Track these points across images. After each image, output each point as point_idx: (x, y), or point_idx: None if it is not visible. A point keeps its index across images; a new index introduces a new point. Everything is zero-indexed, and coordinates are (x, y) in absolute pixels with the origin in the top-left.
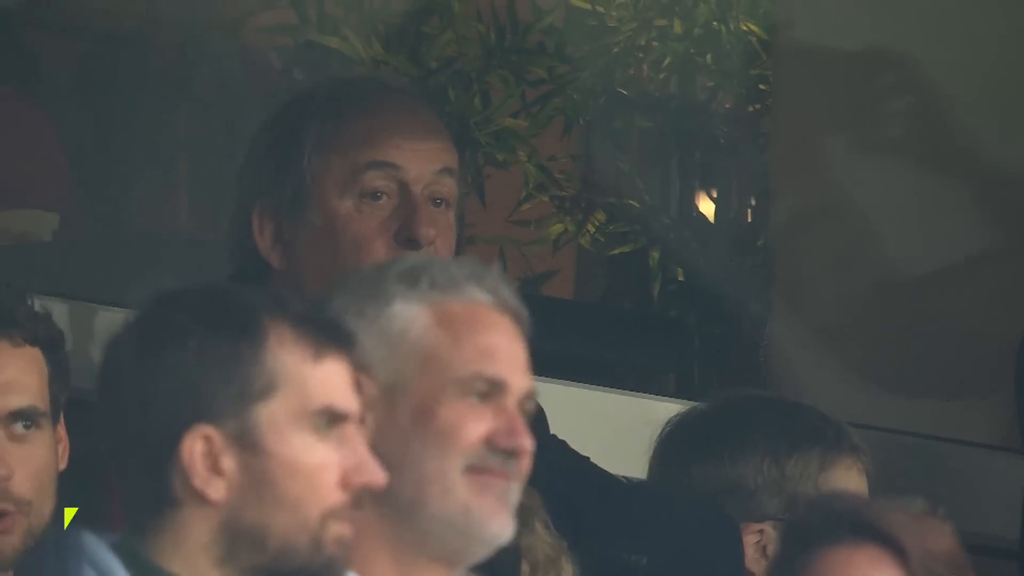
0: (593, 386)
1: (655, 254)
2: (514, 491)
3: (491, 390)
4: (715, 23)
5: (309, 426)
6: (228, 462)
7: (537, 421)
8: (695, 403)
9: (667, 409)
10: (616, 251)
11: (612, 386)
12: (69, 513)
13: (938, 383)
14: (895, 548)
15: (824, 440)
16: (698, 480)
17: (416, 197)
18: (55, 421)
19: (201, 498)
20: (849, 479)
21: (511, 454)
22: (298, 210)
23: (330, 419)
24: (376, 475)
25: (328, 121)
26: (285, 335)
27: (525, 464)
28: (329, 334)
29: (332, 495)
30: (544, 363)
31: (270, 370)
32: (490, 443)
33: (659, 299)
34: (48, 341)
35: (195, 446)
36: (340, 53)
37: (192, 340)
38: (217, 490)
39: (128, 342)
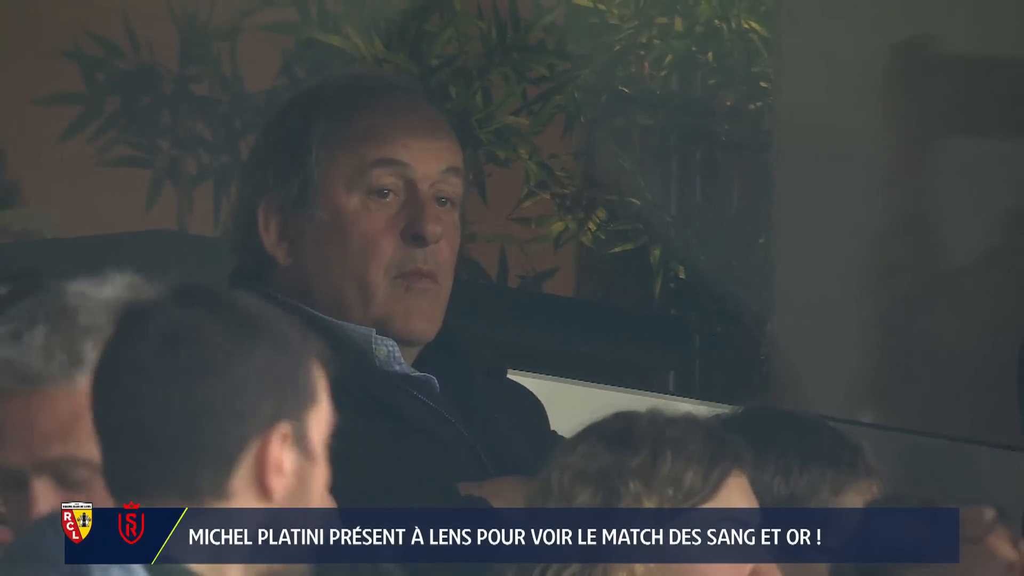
0: (593, 384)
1: (656, 252)
2: None
3: None
4: (716, 21)
5: None
6: None
7: (537, 418)
8: (696, 402)
9: (668, 407)
10: (617, 249)
11: (613, 384)
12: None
13: (938, 380)
14: None
15: (838, 463)
16: None
17: (423, 195)
18: None
19: None
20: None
21: None
22: (305, 206)
23: None
24: None
25: (336, 118)
26: None
27: None
28: None
29: None
30: (545, 360)
31: None
32: None
33: (660, 297)
34: None
35: None
36: (341, 50)
37: None
38: None
39: None
